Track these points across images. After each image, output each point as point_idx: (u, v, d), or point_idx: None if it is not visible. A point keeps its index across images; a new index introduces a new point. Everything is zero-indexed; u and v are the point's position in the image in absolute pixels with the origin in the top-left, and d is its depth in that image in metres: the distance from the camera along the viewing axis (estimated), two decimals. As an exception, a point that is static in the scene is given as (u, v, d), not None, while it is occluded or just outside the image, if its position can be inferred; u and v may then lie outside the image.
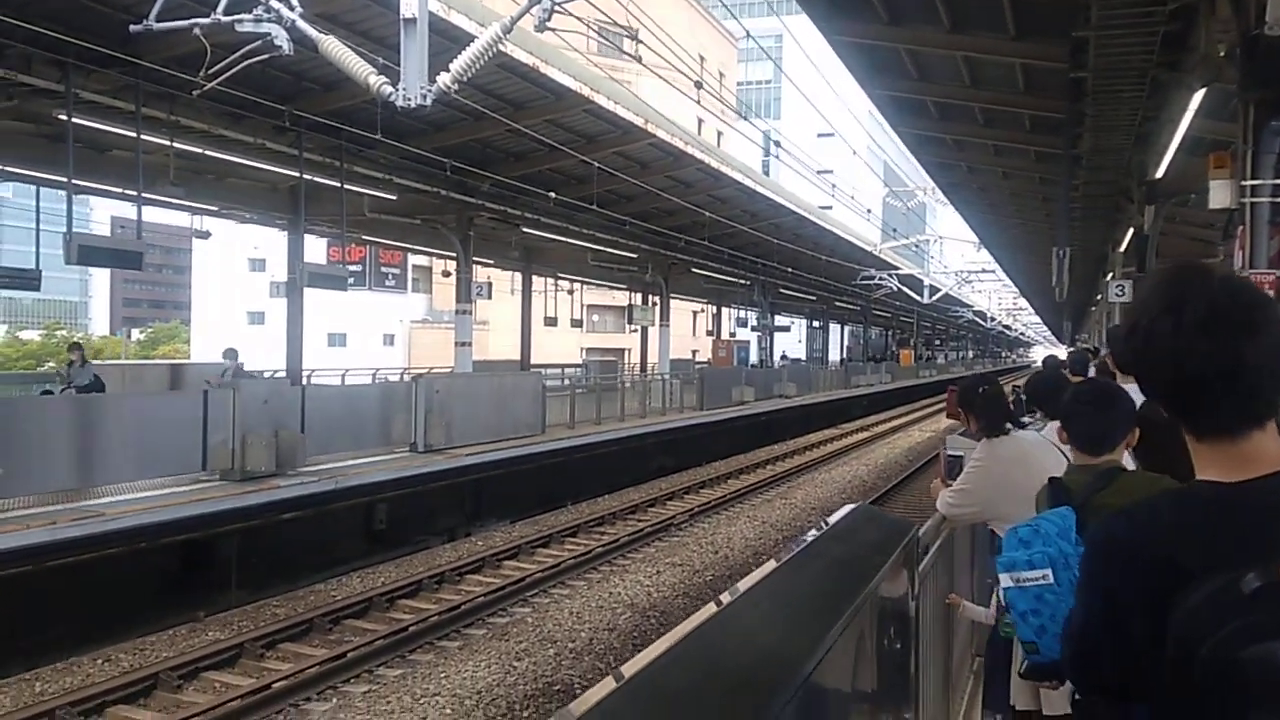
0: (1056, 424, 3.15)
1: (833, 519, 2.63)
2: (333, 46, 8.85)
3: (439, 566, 12.73)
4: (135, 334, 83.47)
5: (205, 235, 20.00)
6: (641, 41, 11.31)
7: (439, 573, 12.35)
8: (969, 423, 3.99)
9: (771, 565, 2.12)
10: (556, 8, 8.41)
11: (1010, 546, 2.36)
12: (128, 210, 17.94)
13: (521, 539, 14.35)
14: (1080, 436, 2.64)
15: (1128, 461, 2.80)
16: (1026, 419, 5.54)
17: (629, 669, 1.39)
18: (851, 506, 2.93)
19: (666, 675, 1.40)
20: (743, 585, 1.93)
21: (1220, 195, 7.32)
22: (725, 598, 1.86)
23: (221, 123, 13.86)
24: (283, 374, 19.31)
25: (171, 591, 10.98)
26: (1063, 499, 2.47)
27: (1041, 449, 3.69)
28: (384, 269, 56.96)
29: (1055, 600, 2.23)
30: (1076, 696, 1.88)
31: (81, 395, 13.92)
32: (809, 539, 2.46)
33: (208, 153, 14.42)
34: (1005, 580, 2.32)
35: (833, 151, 50.80)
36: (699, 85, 15.04)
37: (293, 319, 18.66)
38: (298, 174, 15.32)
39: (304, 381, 18.16)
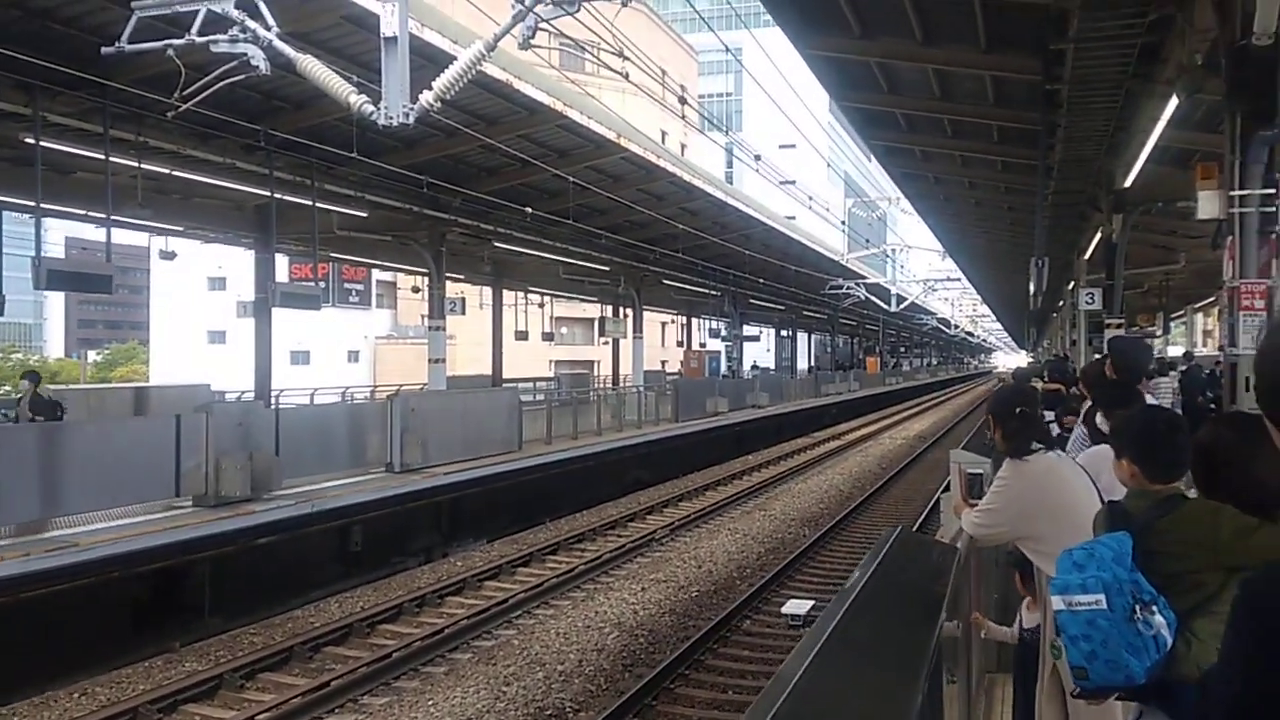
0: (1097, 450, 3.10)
1: (881, 548, 2.54)
2: (312, 65, 8.72)
3: (418, 589, 12.57)
4: (92, 355, 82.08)
5: (170, 256, 19.67)
6: (628, 58, 11.25)
7: (419, 595, 12.19)
8: (995, 432, 3.87)
9: (840, 605, 2.04)
10: (540, 26, 8.35)
11: (1064, 569, 2.30)
12: (81, 231, 17.65)
13: (501, 558, 14.21)
14: (1160, 464, 2.54)
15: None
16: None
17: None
18: (893, 531, 2.85)
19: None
20: (821, 631, 1.84)
21: (1209, 206, 7.36)
22: (807, 648, 1.77)
23: (190, 143, 13.66)
24: (249, 395, 19.03)
25: (146, 622, 10.75)
26: (1121, 524, 2.40)
27: (1067, 467, 3.64)
28: (347, 285, 56.57)
29: (1108, 626, 2.17)
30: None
31: (48, 423, 13.57)
32: (868, 572, 2.37)
33: (175, 173, 14.21)
34: (1058, 603, 2.26)
35: (795, 162, 51.16)
36: (683, 101, 15.04)
37: (261, 339, 18.39)
38: (267, 193, 15.12)
39: (274, 402, 17.89)
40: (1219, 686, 1.24)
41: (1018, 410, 3.68)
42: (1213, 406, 10.11)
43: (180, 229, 18.50)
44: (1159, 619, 2.19)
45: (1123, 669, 2.17)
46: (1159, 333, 30.27)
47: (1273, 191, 7.20)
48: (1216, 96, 8.24)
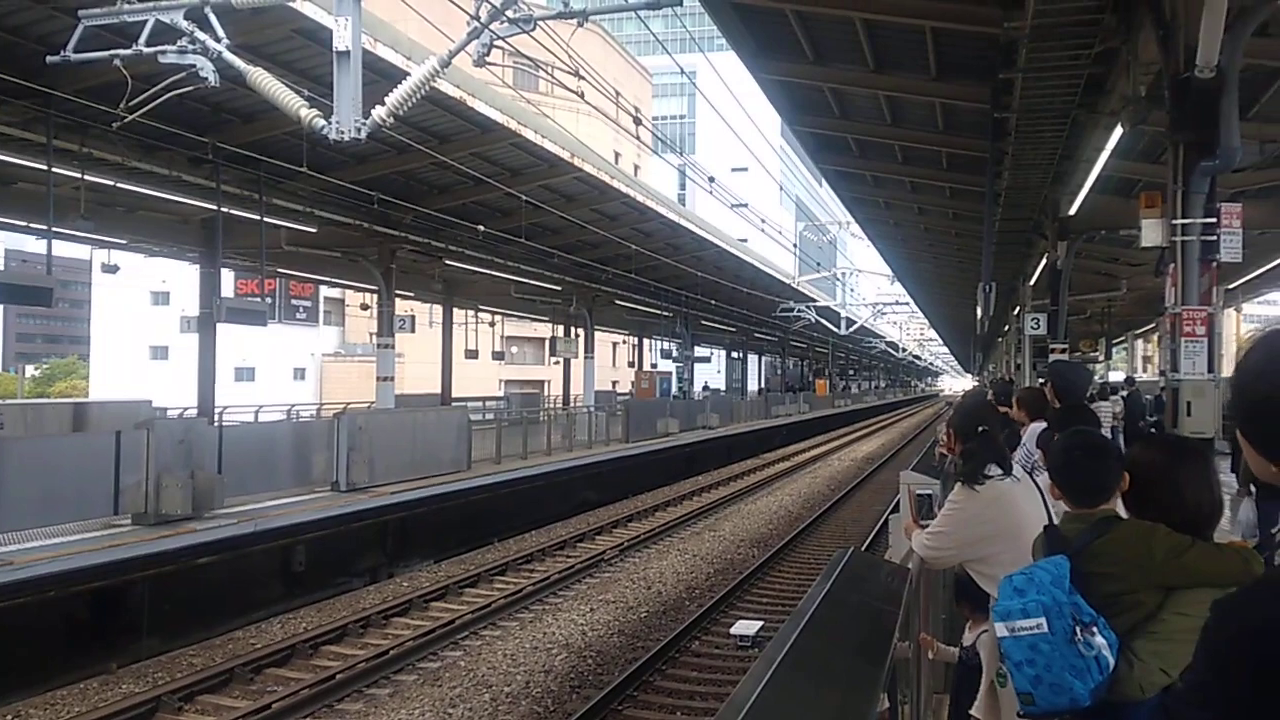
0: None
1: (833, 570, 2.53)
2: (262, 78, 8.61)
3: (363, 610, 12.38)
4: (30, 370, 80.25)
5: (113, 269, 19.29)
6: (583, 78, 11.26)
7: (364, 616, 12.01)
8: (955, 447, 3.88)
9: (793, 627, 2.02)
10: (495, 44, 8.33)
11: (1005, 595, 2.33)
12: (21, 243, 17.27)
13: (449, 579, 14.05)
14: (1077, 489, 2.57)
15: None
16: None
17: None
18: (845, 553, 2.85)
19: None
20: (775, 653, 1.82)
21: (1152, 234, 7.51)
22: (761, 671, 1.75)
23: (135, 154, 13.45)
24: (192, 411, 18.70)
25: (82, 642, 10.46)
26: (1059, 547, 2.42)
27: (1019, 491, 3.65)
28: (295, 301, 55.92)
29: (1050, 650, 2.21)
30: None
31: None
32: (821, 594, 2.36)
33: (119, 185, 13.96)
34: (1000, 629, 2.29)
35: (747, 185, 51.53)
36: (637, 122, 15.08)
37: (205, 355, 18.11)
38: (214, 206, 14.90)
39: (217, 419, 17.59)
40: (1190, 711, 1.23)
41: (979, 429, 3.70)
42: (1154, 431, 10.31)
43: (124, 242, 18.21)
44: (1100, 640, 2.22)
45: (1067, 691, 2.20)
46: (1101, 358, 30.83)
47: (1214, 221, 7.37)
48: (1160, 128, 8.44)
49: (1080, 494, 2.56)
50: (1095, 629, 2.22)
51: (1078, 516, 2.53)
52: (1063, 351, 17.09)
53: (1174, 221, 7.32)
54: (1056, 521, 2.84)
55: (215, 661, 10.33)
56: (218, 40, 8.57)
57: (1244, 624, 1.10)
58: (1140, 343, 42.72)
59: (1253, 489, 9.34)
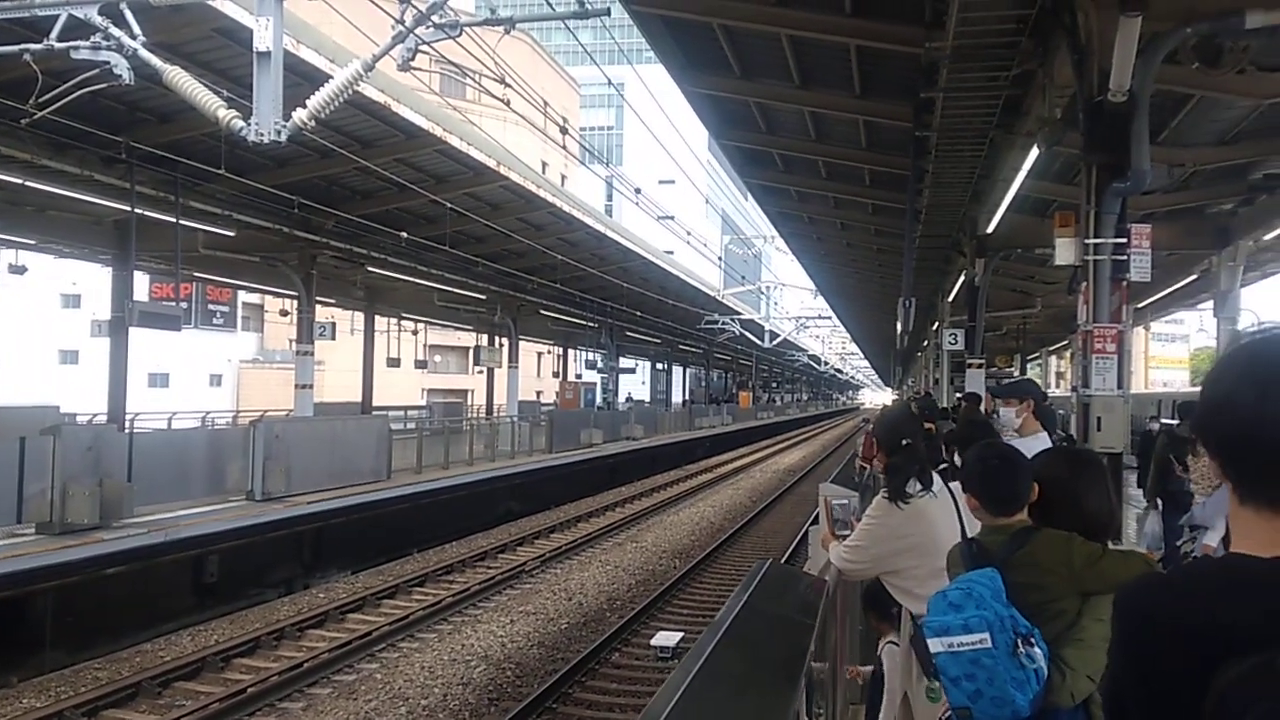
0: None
1: (751, 581, 2.54)
2: (179, 77, 8.41)
3: (277, 621, 12.14)
4: (-70, 373, 77.09)
5: (21, 270, 18.67)
6: (509, 85, 11.21)
7: (277, 628, 11.76)
8: (878, 458, 3.92)
9: (710, 638, 2.02)
10: (420, 49, 8.25)
11: (939, 610, 2.35)
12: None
13: (366, 590, 13.83)
14: (996, 499, 2.64)
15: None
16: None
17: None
18: (763, 564, 2.86)
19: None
20: (691, 664, 1.81)
21: (1065, 253, 7.71)
22: (677, 681, 1.74)
23: (46, 153, 13.03)
24: (102, 418, 18.14)
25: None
26: (982, 560, 2.48)
27: (936, 507, 3.69)
28: (211, 306, 54.74)
29: (993, 664, 2.24)
30: None
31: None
32: (738, 605, 2.36)
33: (28, 184, 13.49)
34: (936, 645, 2.29)
35: (674, 198, 51.80)
36: (565, 132, 15.05)
37: (116, 360, 17.59)
38: (127, 208, 14.49)
39: (128, 426, 17.08)
40: (1105, 683, 1.33)
41: (903, 441, 3.75)
42: (1066, 445, 10.57)
43: (32, 243, 17.65)
44: (1038, 651, 2.27)
45: (1009, 704, 2.24)
46: (1016, 373, 31.56)
47: (1124, 241, 7.61)
48: (1074, 149, 8.69)
49: (999, 504, 2.63)
50: (1034, 640, 2.27)
51: (997, 528, 2.60)
52: (979, 366, 17.45)
53: (1086, 241, 7.54)
54: (972, 534, 2.89)
55: (122, 675, 10.05)
56: (133, 37, 8.34)
57: (1135, 607, 1.18)
58: (1054, 359, 43.88)
59: (1159, 503, 9.60)
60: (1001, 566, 2.41)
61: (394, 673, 10.31)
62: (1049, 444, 5.99)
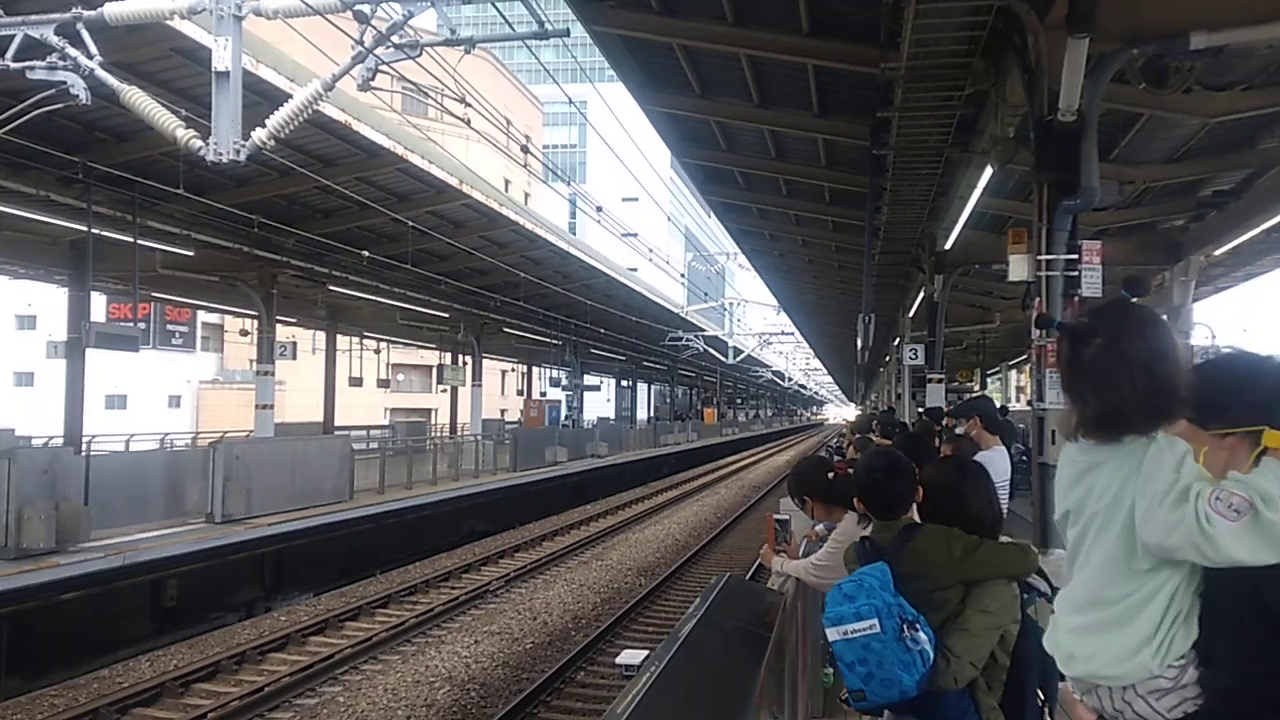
0: None
1: (709, 595, 2.61)
2: (136, 97, 8.35)
3: (238, 645, 11.98)
4: (-120, 395, 75.54)
5: (-26, 290, 18.39)
6: (470, 104, 11.23)
7: (238, 652, 11.61)
8: (817, 508, 4.20)
9: (666, 651, 2.05)
10: (381, 69, 8.25)
11: (835, 602, 2.56)
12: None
13: (329, 612, 13.69)
14: (879, 504, 2.90)
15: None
16: None
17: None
18: (721, 578, 2.95)
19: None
20: (647, 677, 1.84)
21: (1019, 269, 7.86)
22: (633, 692, 1.77)
23: (1, 173, 12.89)
24: (58, 440, 17.89)
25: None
26: (874, 555, 2.71)
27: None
28: (170, 326, 54.08)
29: (881, 648, 2.45)
30: None
31: None
32: (695, 618, 2.41)
33: (-18, 203, 13.34)
34: (833, 634, 2.51)
35: (637, 215, 52.01)
36: (527, 150, 15.08)
37: (73, 381, 17.38)
38: (84, 228, 14.34)
39: (85, 448, 16.84)
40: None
41: (829, 474, 4.01)
42: (1024, 458, 10.71)
43: (-15, 263, 17.38)
44: (922, 635, 2.48)
45: (897, 684, 2.45)
46: (976, 388, 31.88)
47: (1075, 257, 7.76)
48: (1026, 167, 8.84)
49: (883, 509, 2.90)
50: (918, 626, 2.49)
51: (886, 526, 2.85)
52: (940, 381, 17.60)
53: (1039, 257, 7.68)
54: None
55: (79, 702, 9.87)
56: (90, 57, 8.28)
57: None
58: (1014, 373, 44.33)
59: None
60: (890, 560, 2.64)
61: (357, 695, 10.22)
62: (1006, 456, 6.15)
